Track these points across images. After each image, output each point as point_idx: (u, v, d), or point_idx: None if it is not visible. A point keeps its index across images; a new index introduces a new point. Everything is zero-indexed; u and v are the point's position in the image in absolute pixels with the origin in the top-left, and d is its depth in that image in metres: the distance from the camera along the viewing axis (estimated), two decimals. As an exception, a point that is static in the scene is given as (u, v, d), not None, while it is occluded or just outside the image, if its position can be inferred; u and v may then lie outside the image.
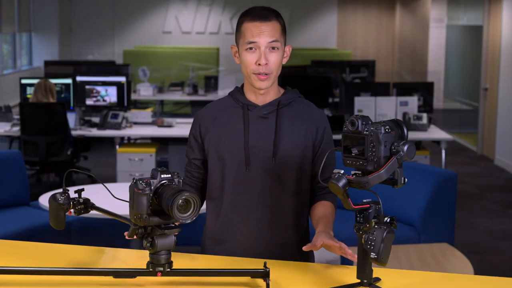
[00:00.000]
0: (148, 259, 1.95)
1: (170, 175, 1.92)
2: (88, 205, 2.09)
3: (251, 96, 2.36)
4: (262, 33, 2.26)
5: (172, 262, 1.94)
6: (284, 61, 2.36)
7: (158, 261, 1.92)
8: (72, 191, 2.10)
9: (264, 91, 2.33)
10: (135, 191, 1.89)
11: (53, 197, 2.06)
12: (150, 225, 1.89)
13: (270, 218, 2.31)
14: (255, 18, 2.28)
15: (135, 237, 1.95)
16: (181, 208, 1.84)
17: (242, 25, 2.30)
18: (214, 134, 2.35)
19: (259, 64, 2.26)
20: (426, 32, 14.63)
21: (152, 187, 1.89)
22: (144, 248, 1.96)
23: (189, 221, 1.85)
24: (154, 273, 1.92)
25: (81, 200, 2.08)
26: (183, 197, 1.83)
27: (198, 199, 1.86)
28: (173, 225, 1.90)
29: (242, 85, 2.40)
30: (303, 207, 2.37)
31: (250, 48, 2.27)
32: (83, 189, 2.10)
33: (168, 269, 1.93)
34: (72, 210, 2.09)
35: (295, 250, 2.35)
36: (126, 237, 2.02)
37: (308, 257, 2.40)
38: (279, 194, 2.30)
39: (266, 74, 2.28)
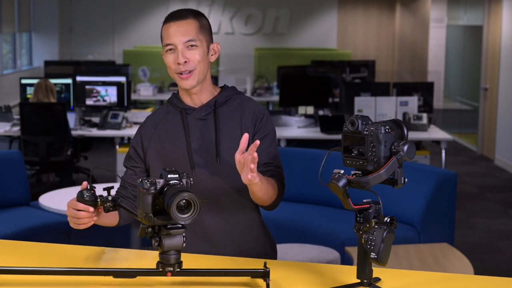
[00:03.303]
0: (147, 259, 1.95)
1: (177, 175, 1.92)
2: (116, 202, 2.07)
3: (187, 99, 2.36)
4: (176, 33, 2.27)
5: (181, 262, 1.93)
6: (212, 59, 2.35)
7: (167, 261, 1.91)
8: (100, 188, 2.09)
9: (196, 90, 2.32)
10: (140, 190, 1.89)
11: (80, 194, 2.06)
12: (156, 224, 1.90)
13: (221, 217, 2.32)
14: (169, 19, 2.30)
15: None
16: (182, 208, 1.84)
17: (162, 29, 2.32)
18: (157, 143, 2.35)
19: (178, 64, 2.26)
20: (426, 32, 14.63)
21: (157, 187, 1.89)
22: (143, 249, 1.95)
23: (188, 222, 1.85)
24: (164, 273, 1.92)
25: (109, 198, 2.06)
26: (182, 198, 1.83)
27: (198, 201, 1.86)
28: (180, 225, 1.90)
29: (178, 91, 2.40)
30: (253, 201, 2.35)
31: (170, 50, 2.28)
32: (112, 187, 2.08)
33: (178, 269, 1.92)
34: (101, 207, 2.08)
35: (250, 248, 2.35)
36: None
37: (271, 252, 2.41)
38: (228, 193, 2.30)
39: (189, 72, 2.27)
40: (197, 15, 2.32)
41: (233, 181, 2.27)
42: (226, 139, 2.30)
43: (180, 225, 1.89)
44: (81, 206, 2.06)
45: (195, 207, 1.85)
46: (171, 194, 1.85)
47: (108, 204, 2.06)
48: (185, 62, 2.26)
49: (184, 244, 1.92)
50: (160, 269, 1.92)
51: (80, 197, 2.06)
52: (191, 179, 1.96)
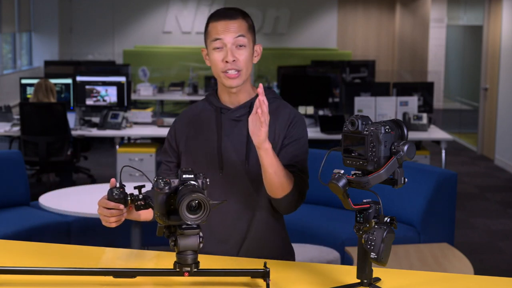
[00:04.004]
0: (147, 259, 1.95)
1: (192, 175, 1.92)
2: (147, 201, 2.07)
3: (224, 98, 2.34)
4: (227, 30, 2.26)
5: (199, 262, 1.93)
6: (255, 60, 2.34)
7: (184, 261, 1.91)
8: (131, 187, 2.10)
9: (236, 90, 2.30)
10: (155, 189, 1.91)
11: (110, 192, 2.07)
12: (170, 224, 1.91)
13: (245, 219, 2.31)
14: (220, 17, 2.29)
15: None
16: (192, 209, 1.84)
17: (208, 26, 2.31)
18: (189, 138, 2.35)
19: (226, 62, 2.25)
20: (426, 32, 14.64)
21: (171, 186, 1.90)
22: (143, 249, 1.96)
23: (198, 222, 1.85)
24: (181, 273, 1.92)
25: (140, 196, 2.06)
26: (192, 198, 1.83)
27: (208, 202, 1.85)
28: (195, 225, 1.89)
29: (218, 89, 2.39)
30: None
31: (218, 48, 2.26)
32: (143, 185, 2.08)
33: (195, 269, 1.92)
34: (132, 206, 2.09)
35: (272, 250, 2.34)
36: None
37: (289, 257, 2.39)
38: (254, 196, 2.29)
39: (236, 71, 2.26)
40: (245, 15, 2.32)
41: (260, 184, 2.26)
42: None
43: (195, 225, 1.89)
44: (112, 204, 2.08)
45: (205, 208, 1.85)
46: (182, 194, 1.85)
47: (139, 202, 2.06)
48: (233, 61, 2.25)
49: (201, 245, 1.91)
50: (177, 269, 1.92)
51: (110, 195, 2.07)
52: (207, 179, 1.95)
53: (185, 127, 2.37)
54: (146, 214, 2.25)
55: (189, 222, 1.84)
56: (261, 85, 2.06)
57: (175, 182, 1.91)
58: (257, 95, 2.31)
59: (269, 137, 2.22)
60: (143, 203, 2.06)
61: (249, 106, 2.32)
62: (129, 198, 2.07)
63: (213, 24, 2.29)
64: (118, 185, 2.09)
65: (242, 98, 2.33)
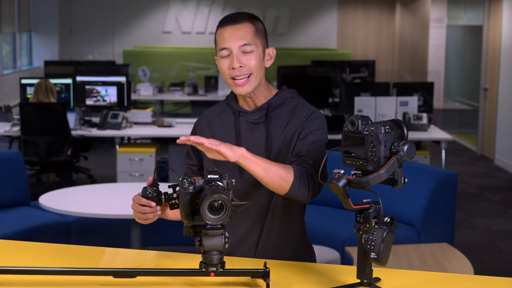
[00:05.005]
0: (147, 259, 1.95)
1: (217, 176, 1.92)
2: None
3: (241, 102, 2.33)
4: (232, 37, 2.22)
5: (224, 262, 1.93)
6: (268, 64, 2.31)
7: (210, 261, 1.91)
8: (165, 186, 2.10)
9: (250, 95, 2.28)
10: (180, 189, 1.92)
11: (144, 190, 2.08)
12: (194, 224, 1.91)
13: (262, 222, 2.30)
14: (224, 23, 2.25)
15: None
16: (215, 209, 1.84)
17: (216, 33, 2.28)
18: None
19: (233, 68, 2.22)
20: (426, 32, 14.64)
21: (195, 186, 1.91)
22: (143, 249, 1.96)
23: (219, 223, 1.85)
24: (207, 273, 1.92)
25: (174, 195, 2.06)
26: (213, 199, 1.83)
27: (230, 203, 1.85)
28: (220, 226, 1.89)
29: None
30: (297, 207, 2.34)
31: (225, 55, 2.24)
32: (177, 185, 2.07)
33: (221, 270, 1.92)
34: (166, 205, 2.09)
35: (292, 251, 2.34)
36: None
37: (307, 258, 2.39)
38: (272, 199, 2.28)
39: (245, 78, 2.22)
40: (252, 19, 2.28)
41: None
42: (276, 144, 2.25)
43: (220, 226, 1.88)
44: (144, 201, 2.08)
45: (227, 209, 1.85)
46: (204, 195, 1.86)
47: (173, 201, 2.06)
48: (240, 67, 2.22)
49: (227, 245, 1.90)
50: (203, 269, 1.92)
51: (144, 193, 2.08)
52: (233, 180, 1.95)
53: (206, 129, 2.35)
54: (174, 214, 2.22)
55: (209, 222, 1.85)
56: (181, 138, 2.01)
57: (200, 182, 1.92)
58: (274, 96, 2.32)
59: (287, 138, 2.23)
60: (177, 201, 2.05)
61: (266, 108, 2.29)
62: (163, 196, 2.07)
63: (219, 31, 2.26)
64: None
65: (258, 101, 2.31)
